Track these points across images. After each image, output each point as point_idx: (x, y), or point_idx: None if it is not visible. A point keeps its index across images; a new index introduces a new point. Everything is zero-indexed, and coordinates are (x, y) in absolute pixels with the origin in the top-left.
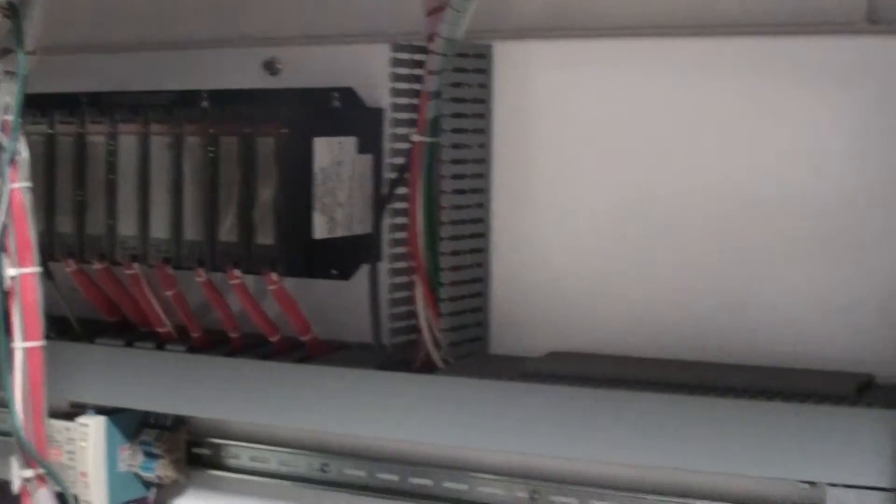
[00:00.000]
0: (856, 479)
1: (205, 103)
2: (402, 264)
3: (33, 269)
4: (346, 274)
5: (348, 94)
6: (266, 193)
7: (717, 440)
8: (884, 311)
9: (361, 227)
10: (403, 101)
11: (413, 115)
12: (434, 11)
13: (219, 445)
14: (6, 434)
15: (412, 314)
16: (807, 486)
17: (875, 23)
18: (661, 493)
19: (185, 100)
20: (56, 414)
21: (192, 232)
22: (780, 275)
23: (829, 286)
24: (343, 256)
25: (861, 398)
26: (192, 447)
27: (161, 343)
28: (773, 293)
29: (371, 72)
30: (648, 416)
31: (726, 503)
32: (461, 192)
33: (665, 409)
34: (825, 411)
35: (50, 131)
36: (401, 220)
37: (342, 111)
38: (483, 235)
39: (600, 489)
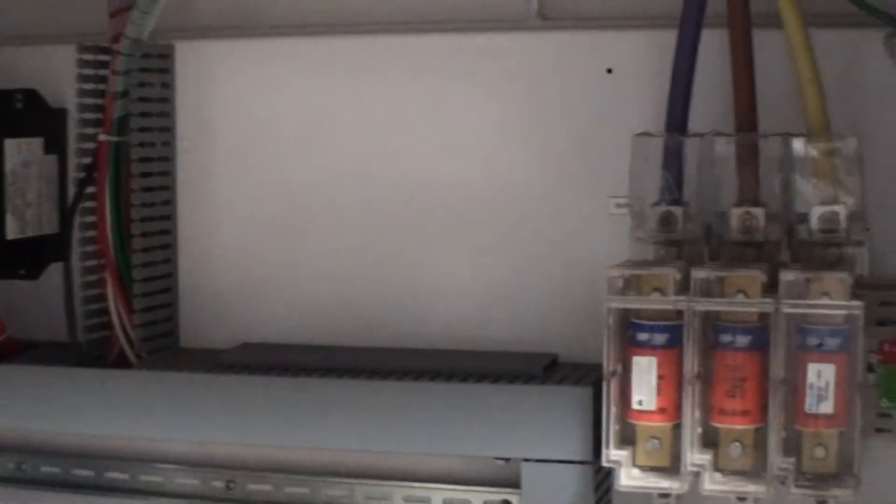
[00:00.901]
0: (548, 454)
1: None
2: (93, 262)
3: None
4: (34, 273)
5: (31, 96)
6: None
7: (412, 422)
8: (563, 294)
9: (50, 227)
10: (89, 101)
11: (99, 115)
12: (118, 13)
13: None
14: None
15: (105, 311)
16: (502, 462)
17: (547, 19)
18: (355, 476)
19: None
20: None
21: None
22: (466, 263)
23: (510, 273)
24: (32, 256)
25: (548, 377)
26: None
27: None
28: (458, 281)
29: (54, 73)
30: (343, 402)
31: (423, 483)
32: (149, 189)
33: (359, 394)
34: (517, 390)
35: None
36: (90, 218)
37: (26, 112)
38: (170, 232)
39: (296, 475)
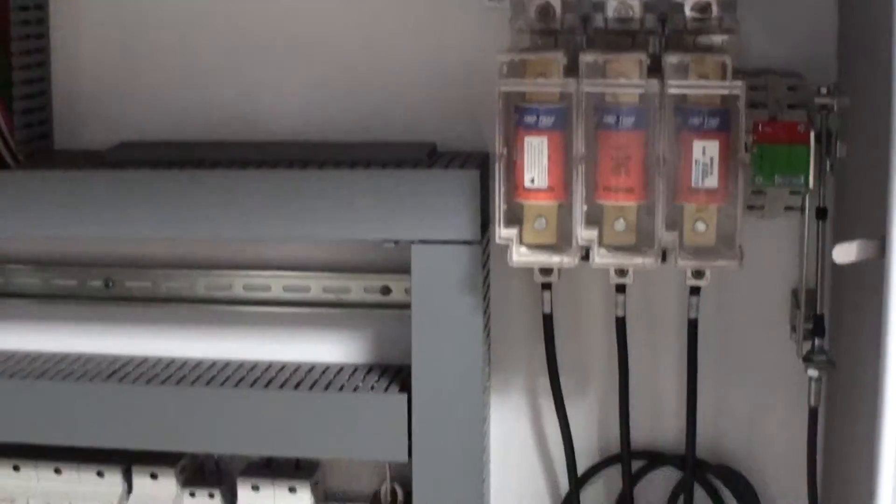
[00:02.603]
0: (439, 235)
1: None
2: None
3: None
4: None
5: None
6: None
7: (304, 210)
8: (438, 87)
9: None
10: None
11: None
12: None
13: None
14: None
15: None
16: (393, 244)
17: None
18: (235, 268)
19: None
20: None
21: None
22: (340, 57)
23: (386, 67)
24: None
25: (433, 163)
26: None
27: None
28: (329, 75)
29: None
30: (227, 192)
31: (302, 271)
32: (25, 8)
33: (244, 184)
34: (406, 175)
35: None
36: None
37: None
38: (44, 36)
39: (175, 269)
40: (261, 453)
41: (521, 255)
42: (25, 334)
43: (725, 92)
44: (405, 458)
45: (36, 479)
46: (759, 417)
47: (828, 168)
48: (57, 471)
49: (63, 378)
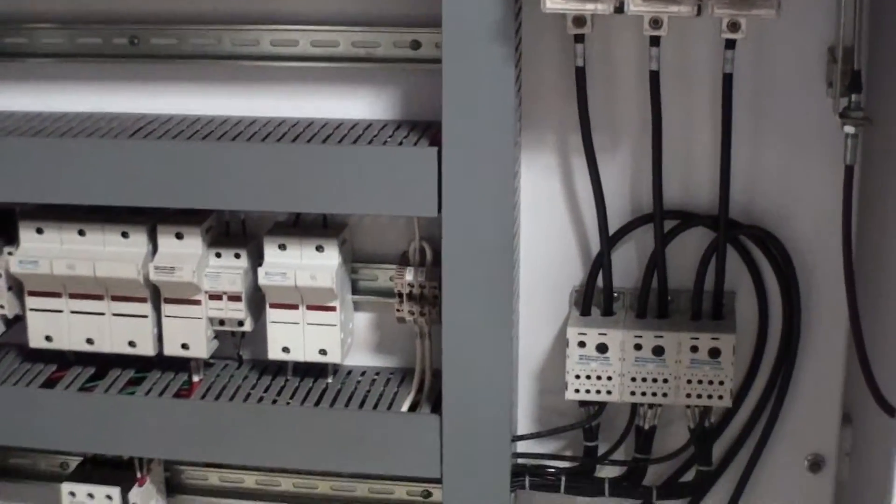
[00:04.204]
0: None
1: None
2: None
3: None
4: None
5: None
6: None
7: None
8: None
9: None
10: None
11: None
12: None
13: None
14: None
15: None
16: None
17: None
18: (268, 23)
19: None
20: None
21: None
22: None
23: None
24: None
25: None
26: None
27: None
28: None
29: None
30: None
31: (346, 26)
32: None
33: None
34: None
35: None
36: None
37: None
38: None
39: (200, 26)
40: (288, 209)
41: (553, 2)
42: (50, 94)
43: None
44: (435, 212)
45: (59, 242)
46: (793, 176)
47: None
48: (81, 232)
49: (87, 136)
